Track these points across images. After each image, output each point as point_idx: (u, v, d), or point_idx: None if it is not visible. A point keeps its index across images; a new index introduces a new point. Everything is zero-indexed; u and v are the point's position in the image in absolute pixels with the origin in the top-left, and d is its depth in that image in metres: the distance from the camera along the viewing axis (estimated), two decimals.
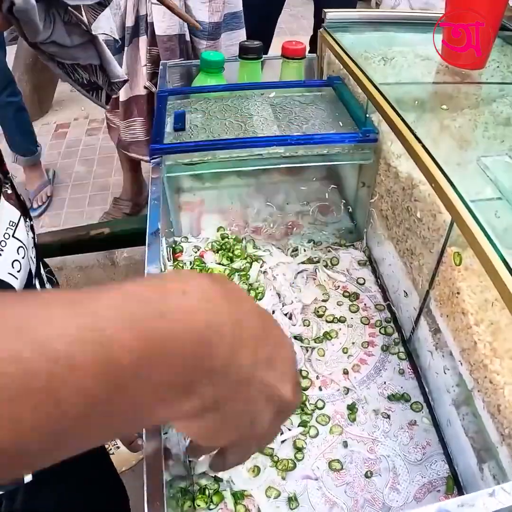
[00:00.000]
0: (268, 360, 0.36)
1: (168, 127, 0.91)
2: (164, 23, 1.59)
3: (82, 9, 1.03)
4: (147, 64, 1.71)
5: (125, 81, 1.05)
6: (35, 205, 2.51)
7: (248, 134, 0.87)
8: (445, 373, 0.70)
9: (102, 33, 1.03)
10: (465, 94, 0.90)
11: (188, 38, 1.67)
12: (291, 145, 0.84)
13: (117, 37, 1.22)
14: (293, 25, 4.24)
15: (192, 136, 0.88)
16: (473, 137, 0.80)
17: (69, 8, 0.89)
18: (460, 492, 0.67)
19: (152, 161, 0.84)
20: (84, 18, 0.98)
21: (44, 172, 2.64)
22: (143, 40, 1.69)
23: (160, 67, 1.17)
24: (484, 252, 0.55)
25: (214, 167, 0.86)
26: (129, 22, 1.64)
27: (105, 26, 1.04)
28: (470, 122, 0.82)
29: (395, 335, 0.86)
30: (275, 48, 1.74)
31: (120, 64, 1.70)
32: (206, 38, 1.65)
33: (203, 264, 0.92)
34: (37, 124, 3.04)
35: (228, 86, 1.04)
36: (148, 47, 1.69)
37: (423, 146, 0.70)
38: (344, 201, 0.99)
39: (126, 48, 1.68)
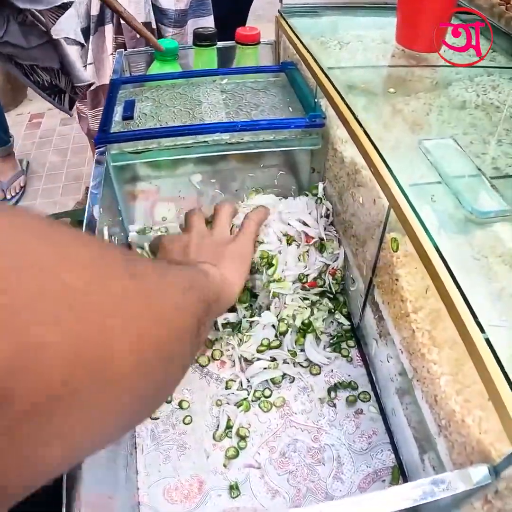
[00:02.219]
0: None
1: (117, 116, 0.89)
2: (130, 11, 1.56)
3: (41, 12, 1.00)
4: (114, 53, 1.68)
5: (90, 85, 1.03)
6: (8, 196, 2.49)
7: (196, 121, 0.85)
8: (388, 362, 0.69)
9: (64, 37, 1.00)
10: (419, 77, 0.88)
11: (154, 25, 1.64)
12: (236, 132, 0.82)
13: (82, 41, 1.19)
14: (271, 12, 4.19)
15: (139, 124, 0.86)
16: (426, 120, 0.78)
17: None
18: (406, 482, 0.66)
19: (97, 150, 0.82)
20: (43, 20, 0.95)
21: (18, 162, 2.61)
22: (109, 29, 1.65)
23: (116, 55, 1.15)
24: (417, 238, 0.54)
25: (160, 155, 0.84)
26: (94, 11, 1.60)
27: (67, 29, 1.00)
28: (424, 105, 0.80)
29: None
30: None
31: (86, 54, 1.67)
32: (172, 25, 1.63)
33: None
34: (11, 114, 3.01)
35: (180, 74, 1.01)
36: (114, 36, 1.66)
37: (364, 130, 0.69)
38: (294, 187, 0.97)
39: (91, 37, 1.65)
